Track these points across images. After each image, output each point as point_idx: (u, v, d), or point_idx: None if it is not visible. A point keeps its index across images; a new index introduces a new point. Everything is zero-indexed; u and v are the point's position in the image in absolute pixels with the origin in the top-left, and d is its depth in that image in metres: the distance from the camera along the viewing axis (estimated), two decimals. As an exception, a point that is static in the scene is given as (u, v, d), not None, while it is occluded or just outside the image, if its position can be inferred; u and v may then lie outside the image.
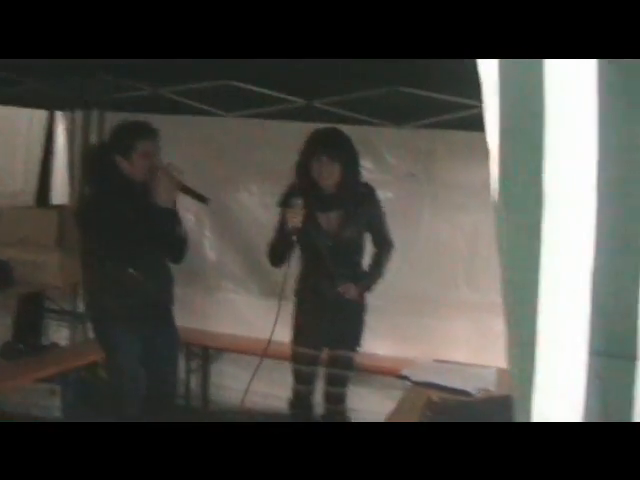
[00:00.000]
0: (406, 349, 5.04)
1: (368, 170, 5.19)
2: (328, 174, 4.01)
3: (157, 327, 4.09)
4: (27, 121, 5.97)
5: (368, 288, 4.27)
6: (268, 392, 5.22)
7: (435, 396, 3.67)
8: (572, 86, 1.31)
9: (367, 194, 4.17)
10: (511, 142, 1.35)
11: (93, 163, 4.17)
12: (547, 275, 1.35)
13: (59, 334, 6.14)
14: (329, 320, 4.20)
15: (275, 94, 4.80)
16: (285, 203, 4.11)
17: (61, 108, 5.99)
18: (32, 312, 5.98)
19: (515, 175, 1.36)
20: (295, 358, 4.30)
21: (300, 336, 4.27)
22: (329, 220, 4.11)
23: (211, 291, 5.80)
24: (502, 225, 1.39)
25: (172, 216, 3.91)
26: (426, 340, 4.99)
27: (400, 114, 4.70)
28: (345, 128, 4.42)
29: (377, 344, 5.21)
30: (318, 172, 4.01)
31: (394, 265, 4.92)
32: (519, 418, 1.39)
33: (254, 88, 4.73)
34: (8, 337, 5.73)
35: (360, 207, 4.13)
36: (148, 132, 3.91)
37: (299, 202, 3.98)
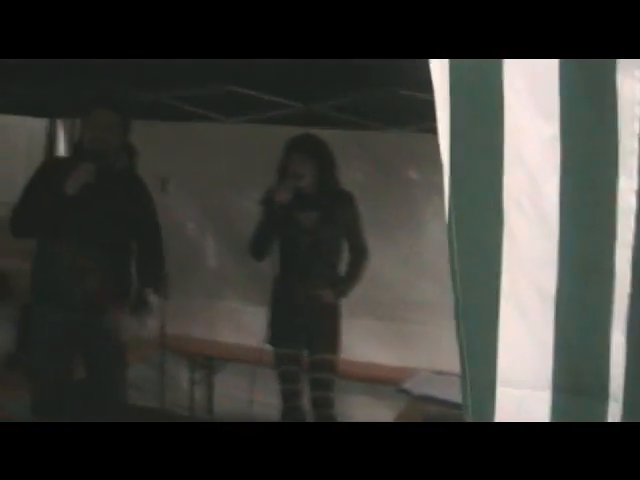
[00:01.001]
0: (409, 358, 4.95)
1: (369, 175, 5.12)
2: (302, 174, 4.16)
3: (90, 318, 3.95)
4: (27, 130, 5.93)
5: (345, 293, 4.35)
6: (271, 402, 5.14)
7: (434, 410, 3.57)
8: (531, 87, 1.18)
9: (345, 200, 4.30)
10: (464, 148, 1.22)
11: None
12: (506, 304, 1.20)
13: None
14: (304, 322, 4.27)
15: (274, 99, 4.73)
16: (267, 201, 4.27)
17: (61, 115, 5.95)
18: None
19: (469, 186, 1.22)
20: (277, 360, 4.38)
21: (278, 338, 4.36)
22: (308, 219, 4.20)
23: (213, 300, 5.72)
24: (454, 247, 1.25)
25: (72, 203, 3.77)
26: (429, 349, 4.90)
27: (401, 117, 4.62)
28: (345, 133, 4.38)
29: (379, 353, 5.13)
30: (293, 173, 4.17)
31: (398, 271, 4.85)
32: None
33: (253, 93, 4.66)
34: (11, 348, 5.67)
35: (338, 211, 4.25)
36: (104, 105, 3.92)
37: (289, 182, 4.14)
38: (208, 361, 5.76)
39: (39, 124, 5.98)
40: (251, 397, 5.44)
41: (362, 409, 5.08)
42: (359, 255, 4.36)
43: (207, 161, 5.50)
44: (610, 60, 1.13)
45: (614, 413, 1.18)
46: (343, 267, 4.39)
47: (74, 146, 3.95)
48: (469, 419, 1.27)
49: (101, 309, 3.97)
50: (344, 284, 4.35)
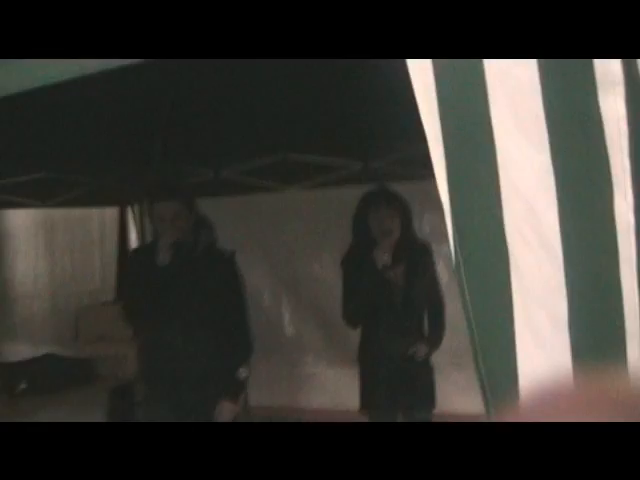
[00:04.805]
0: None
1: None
2: (389, 229, 3.94)
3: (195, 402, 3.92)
4: (98, 219, 6.11)
5: (437, 346, 4.12)
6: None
7: None
8: (515, 112, 1.19)
9: (426, 249, 4.14)
10: (461, 187, 1.23)
11: None
12: (522, 334, 1.20)
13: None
14: (399, 383, 4.01)
15: (333, 160, 4.77)
16: (347, 263, 4.09)
17: (128, 202, 6.11)
18: (124, 405, 5.99)
19: (470, 226, 1.23)
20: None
21: (371, 401, 4.11)
22: (397, 275, 3.97)
23: (293, 366, 5.75)
24: (464, 289, 1.25)
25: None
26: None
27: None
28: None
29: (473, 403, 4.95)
30: (378, 228, 3.95)
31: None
32: None
33: (312, 157, 4.71)
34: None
35: (422, 261, 4.06)
36: (166, 196, 3.92)
37: (385, 241, 3.93)
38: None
39: (109, 214, 6.14)
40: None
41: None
42: (440, 304, 4.18)
43: (271, 230, 5.58)
44: (590, 77, 1.13)
45: None
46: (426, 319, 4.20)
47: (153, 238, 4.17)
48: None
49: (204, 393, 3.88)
50: (435, 336, 4.14)
